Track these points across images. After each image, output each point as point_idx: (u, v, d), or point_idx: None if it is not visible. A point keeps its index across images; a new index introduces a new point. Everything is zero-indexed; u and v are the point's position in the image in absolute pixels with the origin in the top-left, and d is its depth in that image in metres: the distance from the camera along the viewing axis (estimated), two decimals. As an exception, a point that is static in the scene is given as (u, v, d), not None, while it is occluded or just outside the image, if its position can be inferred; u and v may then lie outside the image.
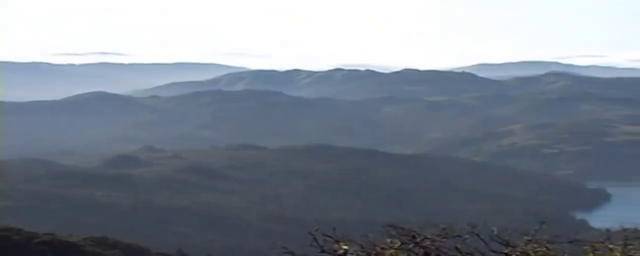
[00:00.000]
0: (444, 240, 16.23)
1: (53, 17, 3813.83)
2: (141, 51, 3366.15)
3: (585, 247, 16.61)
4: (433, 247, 16.08)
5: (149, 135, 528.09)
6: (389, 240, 16.17)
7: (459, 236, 16.39)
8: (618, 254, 16.26)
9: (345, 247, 16.12)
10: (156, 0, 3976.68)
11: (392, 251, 15.95)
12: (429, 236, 16.15)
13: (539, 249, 16.02)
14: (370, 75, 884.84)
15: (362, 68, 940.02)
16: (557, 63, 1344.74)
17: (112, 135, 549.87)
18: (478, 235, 16.39)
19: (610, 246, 16.47)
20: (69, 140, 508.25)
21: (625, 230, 16.96)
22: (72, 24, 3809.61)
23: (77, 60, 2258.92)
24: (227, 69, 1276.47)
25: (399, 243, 16.10)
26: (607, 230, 18.57)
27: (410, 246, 16.07)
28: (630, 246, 16.41)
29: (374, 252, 15.98)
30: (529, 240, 16.16)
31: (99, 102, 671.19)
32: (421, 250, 16.04)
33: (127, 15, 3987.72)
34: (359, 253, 16.05)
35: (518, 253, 15.94)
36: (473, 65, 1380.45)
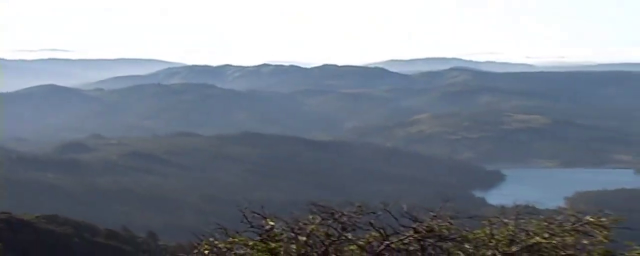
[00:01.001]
0: (359, 216, 16.32)
1: (8, 17, 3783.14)
2: (87, 48, 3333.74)
3: (483, 221, 16.81)
4: (350, 223, 16.18)
5: (95, 124, 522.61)
6: (310, 217, 16.25)
7: (373, 213, 16.49)
8: (511, 227, 16.49)
9: (272, 223, 16.17)
10: (99, 2, 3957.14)
11: (313, 226, 16.03)
12: (346, 213, 16.24)
13: (442, 224, 16.19)
14: (294, 70, 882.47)
15: (286, 64, 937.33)
16: (458, 59, 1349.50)
17: (62, 124, 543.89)
18: (390, 212, 16.50)
19: (505, 220, 16.69)
20: (23, 128, 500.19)
21: (517, 206, 17.20)
22: (24, 23, 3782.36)
23: (29, 56, 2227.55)
24: (164, 64, 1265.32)
25: (320, 219, 16.18)
26: (502, 206, 18.78)
27: (330, 222, 16.16)
28: (522, 220, 16.65)
29: (297, 227, 16.05)
30: (434, 216, 16.32)
31: (49, 94, 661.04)
32: (339, 225, 16.14)
33: (73, 15, 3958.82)
34: (284, 228, 16.11)
35: (424, 227, 16.09)
36: (384, 61, 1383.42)
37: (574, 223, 16.43)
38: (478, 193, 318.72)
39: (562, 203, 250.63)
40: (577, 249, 16.19)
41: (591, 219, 16.47)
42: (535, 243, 16.11)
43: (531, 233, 16.31)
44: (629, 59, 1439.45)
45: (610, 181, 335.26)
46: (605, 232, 16.31)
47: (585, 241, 16.26)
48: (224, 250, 15.79)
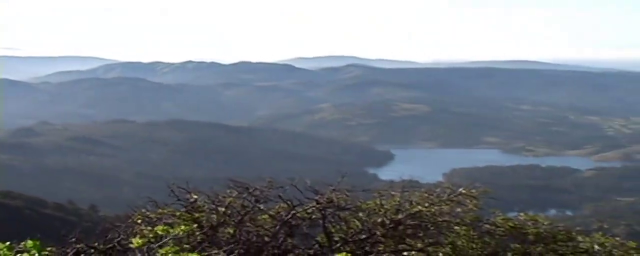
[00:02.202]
0: (270, 190, 16.35)
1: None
2: (33, 46, 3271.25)
3: (374, 194, 16.97)
4: (262, 196, 16.20)
5: (43, 113, 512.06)
6: (228, 191, 16.22)
7: (282, 187, 16.53)
8: (397, 198, 16.68)
9: (196, 196, 16.11)
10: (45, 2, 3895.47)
11: (231, 199, 16.03)
12: (258, 188, 16.25)
13: (340, 196, 16.31)
14: (214, 66, 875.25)
15: (208, 61, 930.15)
16: (354, 57, 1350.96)
17: (14, 113, 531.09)
18: (296, 186, 16.56)
19: (392, 192, 16.88)
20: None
21: (403, 180, 17.40)
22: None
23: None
24: (102, 61, 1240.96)
25: (236, 192, 16.16)
26: (391, 181, 18.98)
27: (245, 195, 16.16)
28: (407, 192, 16.85)
29: (217, 200, 16.03)
30: (334, 189, 16.42)
31: (2, 87, 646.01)
32: (253, 197, 16.15)
33: (22, 17, 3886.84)
34: (206, 201, 16.08)
35: (325, 199, 16.19)
36: (292, 59, 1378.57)
37: (449, 194, 16.68)
38: (371, 170, 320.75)
39: (440, 178, 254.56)
40: (452, 216, 16.49)
41: (464, 191, 16.74)
42: (417, 211, 16.34)
43: (414, 203, 16.53)
44: (493, 57, 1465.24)
45: (480, 159, 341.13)
46: (475, 201, 16.62)
47: (458, 209, 16.55)
48: (155, 219, 15.70)
